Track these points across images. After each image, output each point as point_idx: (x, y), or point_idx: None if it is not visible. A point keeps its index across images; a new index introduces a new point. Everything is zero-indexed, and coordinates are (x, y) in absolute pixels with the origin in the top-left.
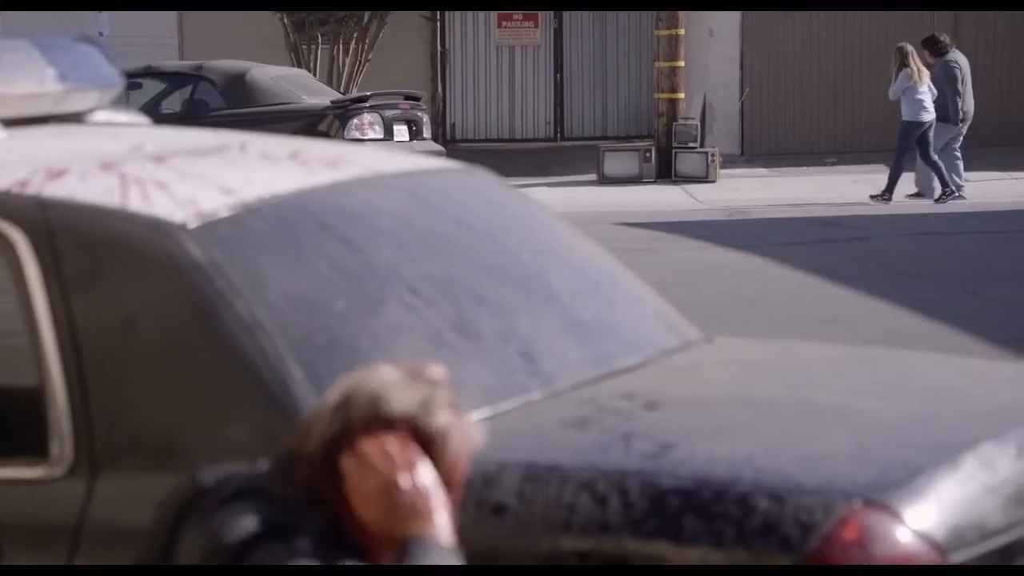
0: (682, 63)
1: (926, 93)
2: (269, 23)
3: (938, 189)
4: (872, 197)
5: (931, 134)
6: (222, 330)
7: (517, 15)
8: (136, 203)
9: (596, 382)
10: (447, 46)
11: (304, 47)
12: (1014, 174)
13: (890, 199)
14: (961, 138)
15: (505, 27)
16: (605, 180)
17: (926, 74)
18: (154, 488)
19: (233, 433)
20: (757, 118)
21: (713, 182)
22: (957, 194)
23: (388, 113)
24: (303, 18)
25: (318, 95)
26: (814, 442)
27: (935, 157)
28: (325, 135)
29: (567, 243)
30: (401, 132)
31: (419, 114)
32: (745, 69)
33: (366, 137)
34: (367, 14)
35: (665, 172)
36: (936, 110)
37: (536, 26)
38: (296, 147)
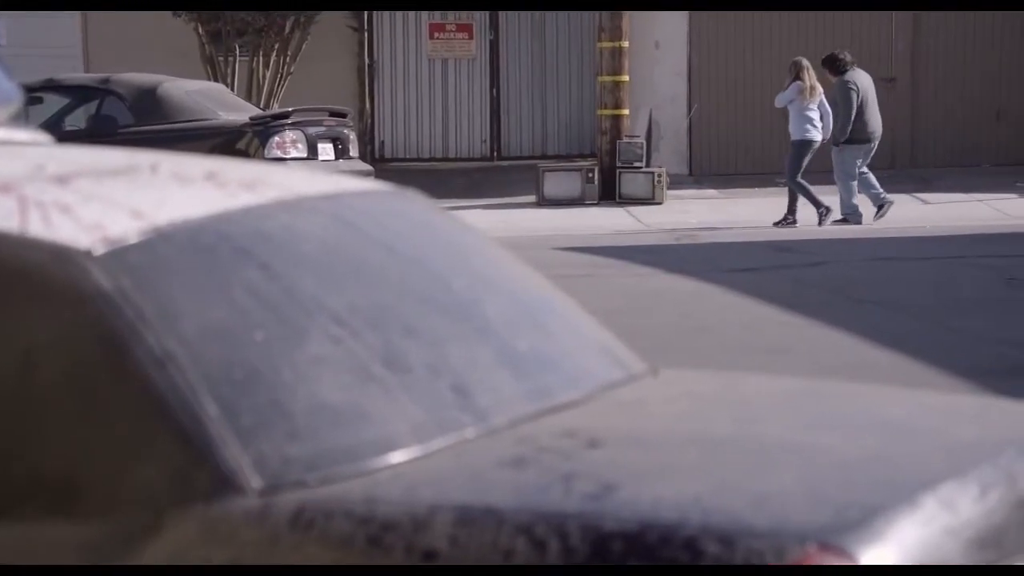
0: (626, 77)
1: (815, 111)
2: (182, 33)
3: (834, 211)
4: (776, 224)
5: (808, 157)
6: (130, 364)
7: (450, 25)
8: (37, 228)
9: (534, 418)
10: (375, 58)
11: (221, 59)
12: (976, 196)
13: (827, 211)
14: (870, 157)
15: (438, 38)
16: (545, 202)
17: (819, 92)
18: (55, 535)
19: (142, 475)
20: (706, 136)
21: (660, 204)
22: (829, 212)
23: (312, 130)
24: (219, 28)
25: (236, 111)
26: (766, 481)
27: (802, 180)
28: (243, 154)
29: (503, 270)
30: (326, 151)
31: (345, 131)
32: (693, 83)
33: (288, 156)
34: (289, 24)
35: (609, 193)
36: (842, 130)
37: (471, 37)
38: (212, 167)
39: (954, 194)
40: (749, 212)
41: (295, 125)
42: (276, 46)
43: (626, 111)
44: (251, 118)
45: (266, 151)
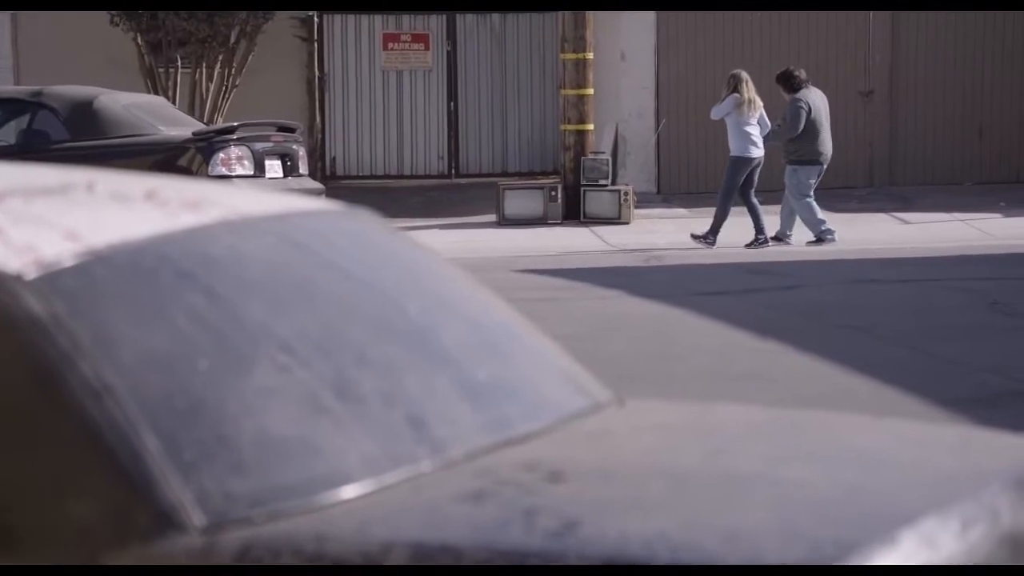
0: (591, 90)
1: (755, 126)
2: (120, 43)
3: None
4: (693, 237)
5: (757, 174)
6: (64, 395)
7: (405, 36)
8: None
9: (493, 451)
10: (326, 70)
11: (161, 70)
12: (958, 215)
13: (713, 242)
14: (818, 180)
15: (392, 49)
16: (505, 221)
17: (759, 106)
18: None
19: (76, 513)
20: (675, 152)
21: (626, 224)
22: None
23: (259, 146)
24: (160, 37)
25: (178, 126)
26: (737, 516)
27: (755, 201)
28: (186, 171)
29: (461, 293)
30: (274, 168)
31: (294, 147)
32: (661, 97)
33: (233, 174)
34: (234, 33)
35: (573, 213)
36: (797, 149)
37: (427, 48)
38: (152, 186)
39: (935, 213)
40: (721, 233)
41: (241, 141)
42: (220, 57)
43: (591, 126)
44: (194, 133)
45: (210, 168)
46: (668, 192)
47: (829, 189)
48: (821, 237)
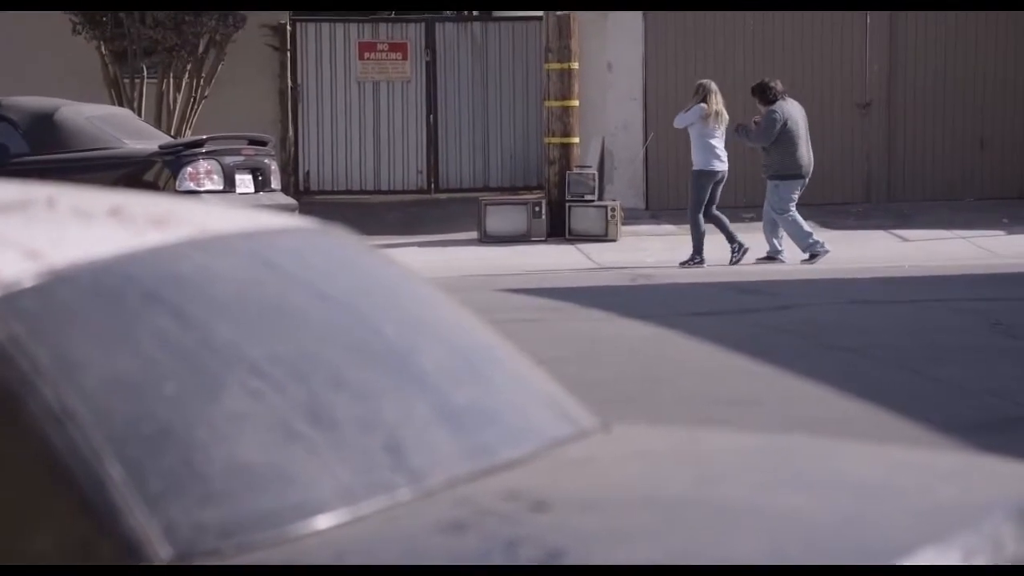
0: (576, 102)
1: (719, 139)
2: (83, 52)
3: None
4: (682, 264)
5: (720, 188)
6: (24, 421)
7: (382, 45)
8: None
9: (474, 479)
10: (300, 81)
11: (126, 81)
12: (959, 232)
13: (701, 261)
14: (799, 194)
15: (368, 59)
16: (487, 239)
17: (724, 120)
18: None
19: (36, 545)
20: (664, 167)
21: (613, 241)
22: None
23: (229, 160)
24: (125, 46)
25: (144, 139)
26: (727, 547)
27: (718, 213)
28: (152, 187)
29: (441, 314)
30: (245, 183)
31: (266, 161)
32: (650, 109)
33: (202, 189)
34: (203, 42)
35: (558, 229)
36: (776, 163)
37: (405, 58)
38: (117, 202)
39: (935, 230)
40: (711, 250)
41: (210, 154)
42: (189, 67)
43: (576, 139)
44: (161, 147)
45: (178, 183)
46: (657, 208)
47: (824, 205)
48: (813, 252)
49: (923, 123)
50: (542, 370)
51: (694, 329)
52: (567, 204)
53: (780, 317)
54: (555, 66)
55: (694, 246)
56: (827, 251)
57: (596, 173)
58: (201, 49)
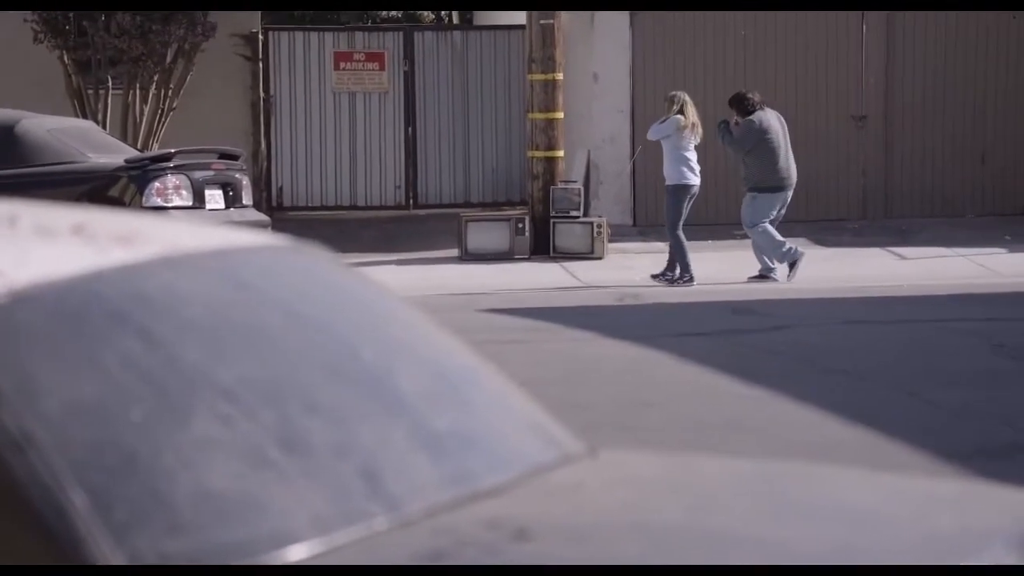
0: (561, 114)
1: (693, 152)
2: (45, 61)
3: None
4: (658, 278)
5: (690, 205)
6: None
7: (359, 54)
8: None
9: (454, 507)
10: (272, 92)
11: (90, 91)
12: (960, 250)
13: (691, 279)
14: (785, 207)
15: (344, 69)
16: (468, 256)
17: (700, 133)
18: None
19: None
20: (652, 181)
21: (600, 259)
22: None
23: (198, 175)
24: (88, 56)
25: (108, 152)
26: None
27: (680, 234)
28: (118, 202)
29: (420, 335)
30: (214, 198)
31: (237, 176)
32: (637, 122)
33: (170, 205)
34: (171, 51)
35: (541, 247)
36: (756, 174)
37: (382, 68)
38: (80, 219)
39: (934, 248)
40: (702, 268)
41: (178, 169)
42: (156, 77)
43: (561, 153)
44: (126, 161)
45: (144, 199)
46: (644, 224)
47: (819, 221)
48: (791, 260)
49: (921, 136)
50: (525, 393)
51: (683, 350)
52: (551, 220)
53: (773, 338)
54: (539, 76)
55: (680, 264)
56: (802, 253)
57: (581, 188)
58: (169, 59)
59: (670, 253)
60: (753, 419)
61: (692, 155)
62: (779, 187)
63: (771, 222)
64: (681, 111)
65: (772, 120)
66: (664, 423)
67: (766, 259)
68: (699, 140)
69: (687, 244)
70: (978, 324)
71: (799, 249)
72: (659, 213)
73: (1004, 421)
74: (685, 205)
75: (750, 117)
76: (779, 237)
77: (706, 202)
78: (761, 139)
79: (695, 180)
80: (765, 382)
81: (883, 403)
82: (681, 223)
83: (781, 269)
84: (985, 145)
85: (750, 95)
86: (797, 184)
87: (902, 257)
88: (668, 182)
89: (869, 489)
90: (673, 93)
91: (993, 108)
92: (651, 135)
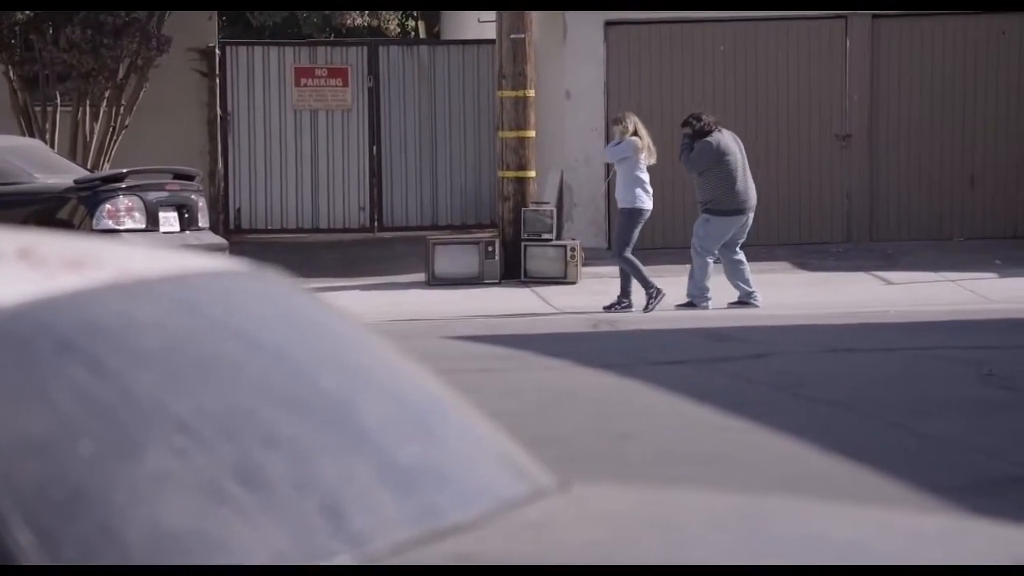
0: (532, 133)
1: (646, 173)
2: None
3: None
4: (606, 308)
5: (639, 228)
6: None
7: (321, 70)
8: None
9: (421, 544)
10: (230, 109)
11: (38, 109)
12: (948, 275)
13: (658, 292)
14: (745, 232)
15: (306, 85)
16: (436, 281)
17: (654, 153)
18: None
19: None
20: None
21: (573, 284)
22: (628, 308)
23: (152, 196)
24: (36, 71)
25: (57, 172)
26: None
27: (631, 256)
28: (67, 225)
29: (385, 364)
30: (169, 221)
31: (193, 197)
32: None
33: (122, 227)
34: (123, 67)
35: (512, 271)
36: (712, 197)
37: (345, 84)
38: (27, 243)
39: (921, 273)
40: (680, 293)
41: (131, 190)
42: (107, 93)
43: (532, 173)
44: (76, 181)
45: (95, 221)
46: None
47: (801, 245)
48: (694, 302)
49: (908, 156)
50: (495, 424)
51: (661, 379)
52: (523, 243)
53: (754, 366)
54: (509, 93)
55: (645, 289)
56: (707, 308)
57: (554, 210)
58: (121, 74)
59: (624, 281)
60: (733, 451)
61: (647, 177)
62: (737, 210)
63: (732, 243)
64: (635, 132)
65: (730, 142)
66: (640, 455)
67: (741, 284)
68: (653, 161)
69: (639, 265)
70: (967, 352)
71: (710, 303)
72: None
73: (994, 453)
74: (638, 229)
75: (708, 139)
76: (708, 282)
77: (674, 225)
78: (719, 161)
79: (650, 204)
80: (746, 412)
81: (868, 434)
82: (631, 248)
83: (652, 298)
84: (974, 165)
85: (705, 117)
86: (778, 206)
87: (888, 282)
88: (623, 205)
89: (856, 524)
90: (621, 113)
91: (983, 126)
92: (608, 157)
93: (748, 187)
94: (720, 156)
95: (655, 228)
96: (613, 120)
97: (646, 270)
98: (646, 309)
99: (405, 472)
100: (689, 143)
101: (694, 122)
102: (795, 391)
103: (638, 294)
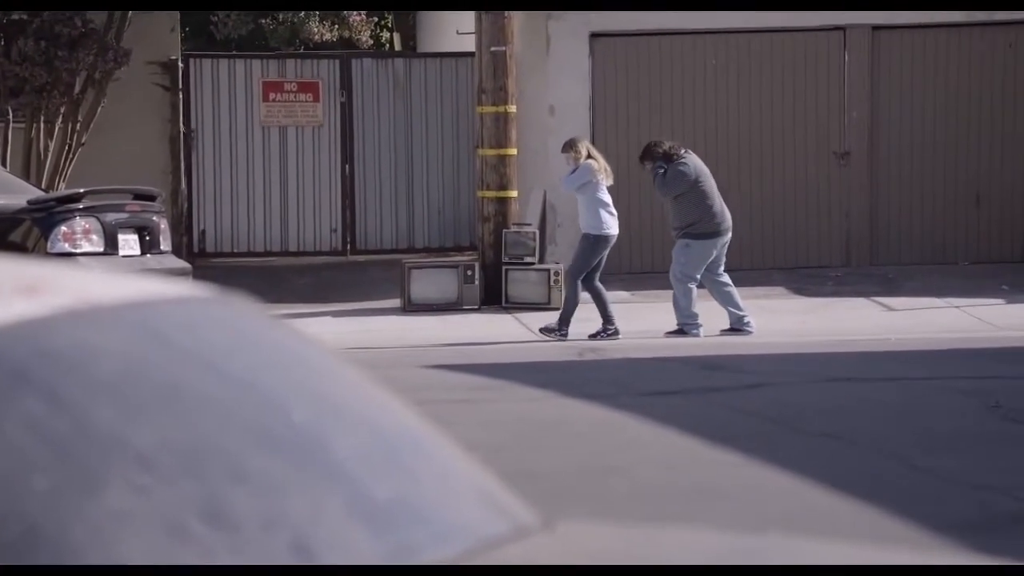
0: (514, 150)
1: (609, 196)
2: None
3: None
4: (592, 336)
5: (603, 254)
6: None
7: (290, 84)
8: None
9: None
10: (193, 125)
11: None
12: (952, 301)
13: (566, 334)
14: (724, 251)
15: (274, 100)
16: (412, 307)
17: (611, 175)
18: None
19: None
20: None
21: (557, 310)
22: (615, 334)
23: (110, 217)
24: None
25: (9, 192)
26: None
27: (600, 286)
28: (20, 248)
29: (358, 395)
30: (129, 243)
31: (154, 219)
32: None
33: (79, 251)
34: (80, 81)
35: (493, 296)
36: (690, 222)
37: (316, 99)
38: None
39: (924, 298)
40: (669, 319)
41: (88, 211)
42: (63, 109)
43: (514, 193)
44: (29, 202)
45: (50, 244)
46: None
47: (798, 268)
48: (685, 329)
49: (910, 175)
50: (474, 458)
51: (650, 411)
52: (504, 267)
53: (748, 397)
54: (489, 109)
55: (562, 315)
56: (698, 336)
57: (537, 232)
58: (77, 88)
59: (601, 308)
60: (726, 486)
61: (609, 199)
62: (716, 232)
63: (713, 266)
64: (589, 156)
65: (701, 164)
66: (628, 491)
67: (732, 309)
68: (611, 182)
69: (605, 293)
70: (973, 382)
71: (701, 330)
72: (623, 260)
73: (1002, 490)
74: (601, 257)
75: (683, 161)
76: (695, 308)
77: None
78: (695, 183)
79: (616, 229)
80: (738, 445)
81: (868, 469)
82: (586, 274)
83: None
84: (980, 185)
85: (668, 144)
86: (774, 228)
87: (889, 308)
88: (588, 231)
89: (852, 566)
90: (573, 138)
91: (989, 144)
92: (567, 187)
93: (724, 209)
94: (696, 178)
95: (643, 252)
96: (563, 147)
97: (607, 302)
98: (597, 337)
99: (379, 508)
100: (663, 167)
101: (656, 149)
102: (791, 423)
103: (638, 321)
